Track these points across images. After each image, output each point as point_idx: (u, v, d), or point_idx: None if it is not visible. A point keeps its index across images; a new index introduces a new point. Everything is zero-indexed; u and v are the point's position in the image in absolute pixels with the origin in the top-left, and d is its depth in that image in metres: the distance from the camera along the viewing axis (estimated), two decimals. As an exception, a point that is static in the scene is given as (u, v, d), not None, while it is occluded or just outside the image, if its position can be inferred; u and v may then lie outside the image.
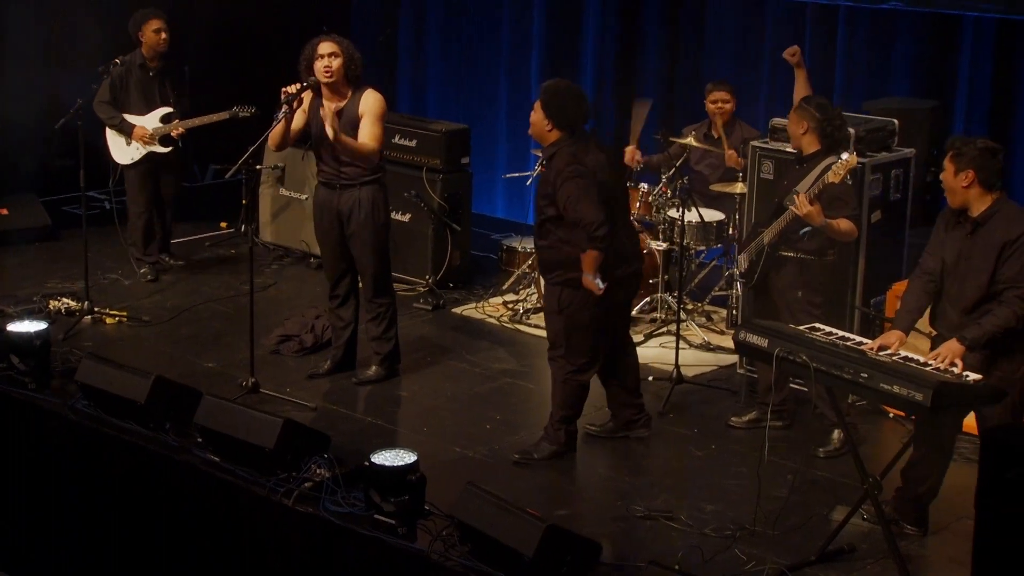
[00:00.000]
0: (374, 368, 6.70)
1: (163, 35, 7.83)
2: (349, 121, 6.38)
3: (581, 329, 5.83)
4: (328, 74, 6.32)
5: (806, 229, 5.84)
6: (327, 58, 6.31)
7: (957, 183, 5.01)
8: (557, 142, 5.70)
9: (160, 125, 7.91)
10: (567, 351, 5.85)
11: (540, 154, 6.08)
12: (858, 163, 5.92)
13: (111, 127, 7.93)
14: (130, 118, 7.89)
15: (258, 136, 6.64)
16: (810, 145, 5.92)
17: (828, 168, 5.77)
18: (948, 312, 5.11)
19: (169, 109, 7.94)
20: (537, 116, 5.74)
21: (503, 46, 9.87)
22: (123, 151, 7.97)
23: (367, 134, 6.39)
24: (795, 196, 5.76)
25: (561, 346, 5.85)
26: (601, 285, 5.61)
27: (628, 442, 6.11)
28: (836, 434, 5.88)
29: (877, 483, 5.04)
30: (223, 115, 7.87)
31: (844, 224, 5.81)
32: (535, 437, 5.99)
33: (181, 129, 7.89)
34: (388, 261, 6.66)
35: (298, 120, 6.47)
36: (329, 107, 6.24)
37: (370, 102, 6.41)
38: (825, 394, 5.46)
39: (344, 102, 6.40)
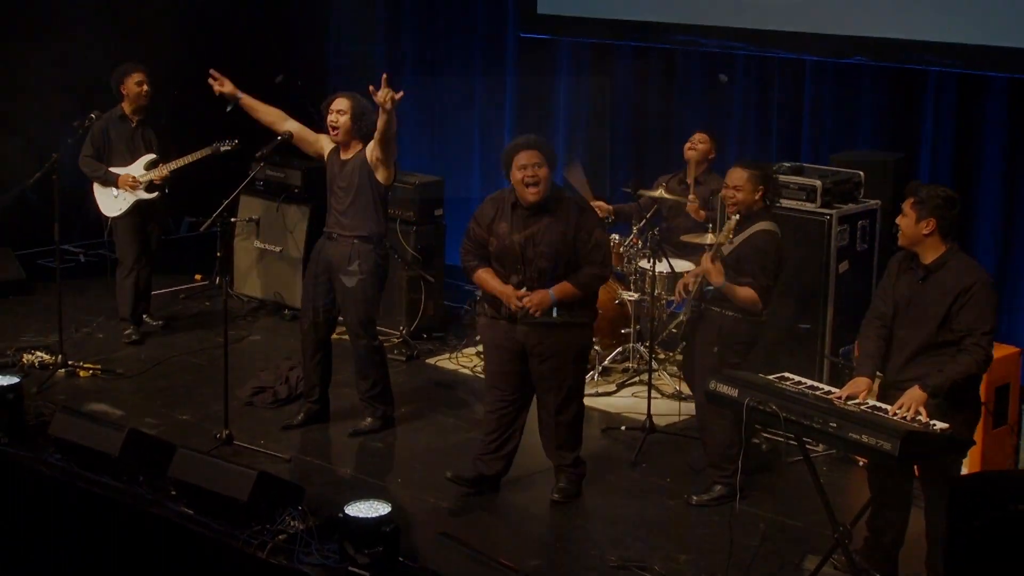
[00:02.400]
0: (369, 420, 6.73)
1: (145, 87, 7.85)
2: (355, 170, 6.46)
3: None
4: (333, 129, 6.45)
5: (709, 287, 5.87)
6: (335, 114, 6.44)
7: (918, 230, 5.07)
8: (555, 191, 5.86)
9: (145, 172, 7.90)
10: (580, 394, 5.99)
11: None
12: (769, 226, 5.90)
13: (96, 181, 7.91)
14: (115, 169, 7.89)
15: (232, 190, 6.71)
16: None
17: (758, 234, 5.86)
18: (895, 355, 5.16)
19: (153, 156, 7.92)
20: (545, 172, 5.75)
21: (476, 97, 9.98)
22: (111, 203, 7.94)
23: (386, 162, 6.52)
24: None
25: (577, 390, 5.97)
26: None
27: (602, 492, 6.14)
28: (718, 488, 5.95)
29: (847, 532, 5.08)
30: (205, 151, 7.84)
31: (744, 292, 5.78)
32: (509, 486, 6.03)
33: (165, 172, 7.84)
34: (376, 315, 6.72)
35: (312, 140, 6.61)
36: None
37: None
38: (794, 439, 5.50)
39: (352, 154, 6.50)
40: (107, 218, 8.02)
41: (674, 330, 6.83)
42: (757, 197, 5.90)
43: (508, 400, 5.97)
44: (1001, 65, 7.34)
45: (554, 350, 5.83)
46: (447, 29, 10.08)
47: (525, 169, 5.71)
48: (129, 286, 8.04)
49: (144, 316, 8.23)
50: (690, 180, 7.65)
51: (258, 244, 8.79)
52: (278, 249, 8.70)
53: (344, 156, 6.52)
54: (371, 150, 6.42)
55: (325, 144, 6.60)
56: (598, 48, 9.24)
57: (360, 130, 6.45)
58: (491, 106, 9.89)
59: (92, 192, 7.97)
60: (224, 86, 6.65)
